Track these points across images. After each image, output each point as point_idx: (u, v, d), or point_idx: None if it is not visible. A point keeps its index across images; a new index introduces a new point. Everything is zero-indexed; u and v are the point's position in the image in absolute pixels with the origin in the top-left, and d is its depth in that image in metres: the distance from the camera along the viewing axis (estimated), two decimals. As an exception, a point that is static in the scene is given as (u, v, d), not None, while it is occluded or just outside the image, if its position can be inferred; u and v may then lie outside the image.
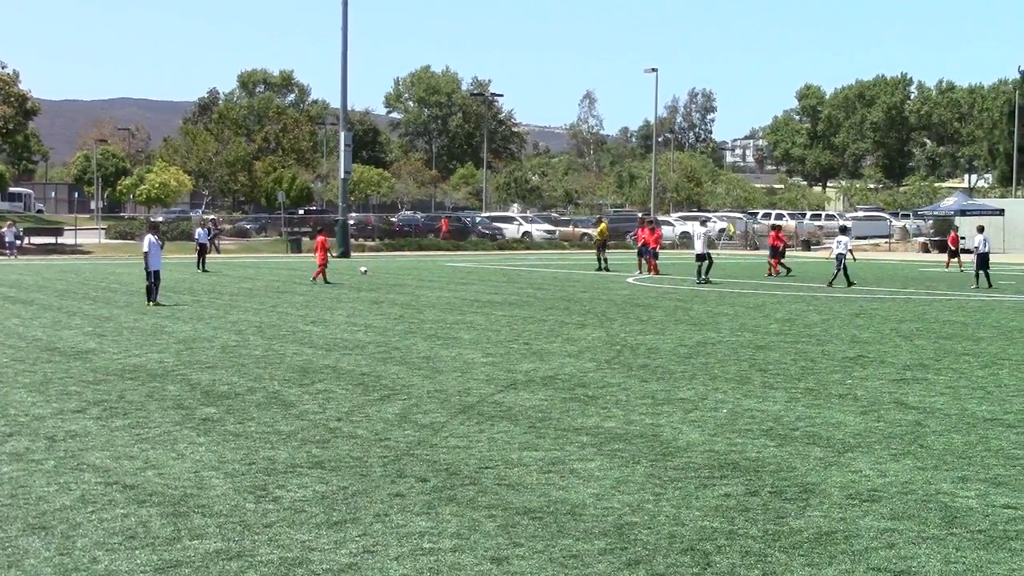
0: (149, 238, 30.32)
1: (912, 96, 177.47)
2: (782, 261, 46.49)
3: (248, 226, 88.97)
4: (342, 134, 69.25)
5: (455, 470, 10.93)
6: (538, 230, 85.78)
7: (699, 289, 37.51)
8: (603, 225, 55.10)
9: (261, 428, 12.99)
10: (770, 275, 45.52)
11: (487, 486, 10.32)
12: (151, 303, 29.29)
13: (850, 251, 40.96)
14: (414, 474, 10.76)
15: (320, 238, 41.05)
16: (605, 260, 52.05)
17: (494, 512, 9.43)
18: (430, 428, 13.00)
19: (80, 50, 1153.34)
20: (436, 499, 9.84)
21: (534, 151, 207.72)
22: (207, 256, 50.25)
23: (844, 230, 43.46)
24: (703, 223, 48.97)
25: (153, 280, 29.58)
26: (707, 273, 41.31)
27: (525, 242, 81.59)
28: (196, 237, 51.97)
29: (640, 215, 79.24)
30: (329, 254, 40.74)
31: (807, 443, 12.25)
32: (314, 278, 39.44)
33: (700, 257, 41.83)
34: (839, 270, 39.50)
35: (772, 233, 48.05)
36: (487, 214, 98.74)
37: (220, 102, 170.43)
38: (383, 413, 13.94)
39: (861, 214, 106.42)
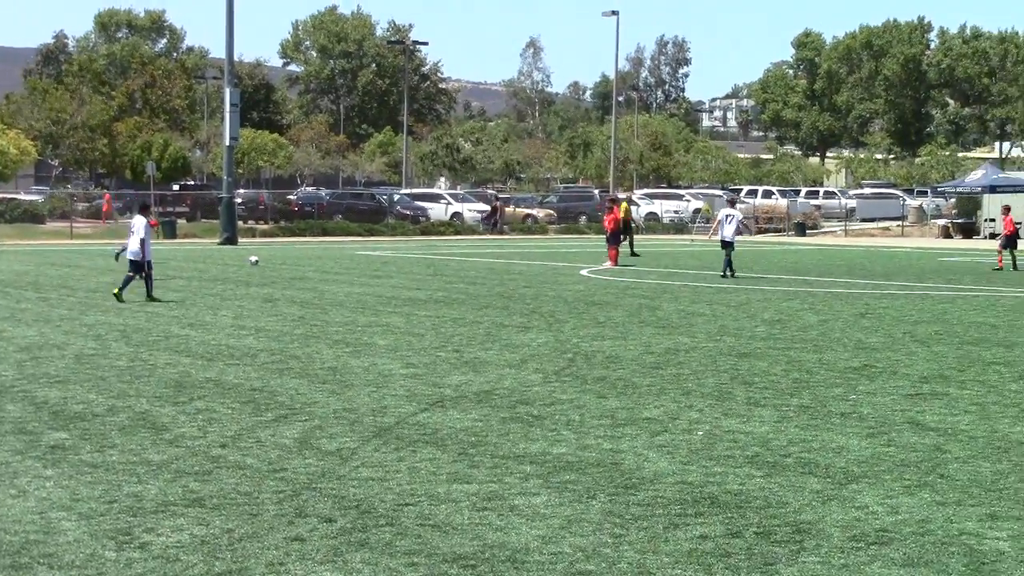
0: (139, 219, 29.93)
1: (932, 46, 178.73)
2: (1013, 251, 46.67)
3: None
4: (227, 91, 68.85)
5: (368, 508, 10.94)
6: (471, 211, 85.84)
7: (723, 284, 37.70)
8: (624, 205, 56.47)
9: (125, 457, 12.92)
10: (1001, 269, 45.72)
11: (407, 527, 10.33)
12: (150, 298, 29.59)
13: None
14: (317, 513, 10.75)
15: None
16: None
17: (415, 559, 9.45)
18: (337, 456, 12.99)
19: None
20: (344, 544, 9.84)
21: (466, 113, 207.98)
22: None
23: None
24: (731, 203, 48.63)
25: (146, 271, 29.71)
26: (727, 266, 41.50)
27: (455, 225, 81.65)
28: None
29: (598, 192, 79.36)
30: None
31: (801, 473, 12.35)
32: None
33: (725, 244, 41.29)
34: None
35: (1007, 218, 48.04)
36: (408, 191, 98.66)
37: (71, 49, 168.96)
38: (278, 438, 13.91)
39: (868, 191, 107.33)
